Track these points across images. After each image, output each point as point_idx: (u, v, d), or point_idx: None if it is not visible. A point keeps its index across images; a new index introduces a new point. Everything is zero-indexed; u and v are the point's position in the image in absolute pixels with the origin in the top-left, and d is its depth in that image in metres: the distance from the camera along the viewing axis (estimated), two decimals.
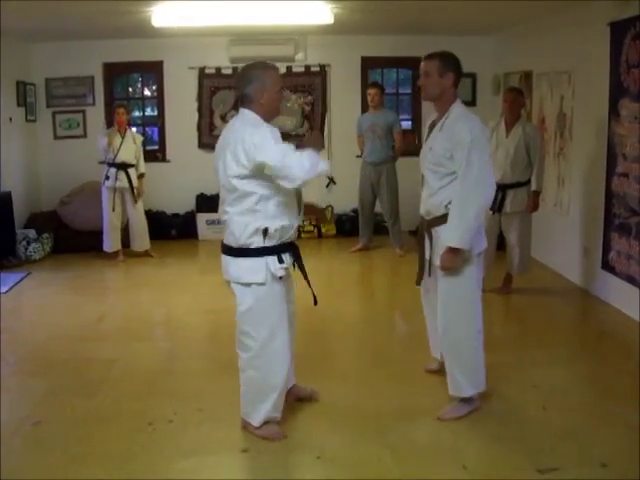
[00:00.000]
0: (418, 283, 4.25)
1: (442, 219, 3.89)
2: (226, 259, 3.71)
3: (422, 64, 3.91)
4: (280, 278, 3.67)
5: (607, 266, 6.18)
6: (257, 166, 3.47)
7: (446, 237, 3.81)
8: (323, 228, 9.51)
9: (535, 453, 3.58)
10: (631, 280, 5.75)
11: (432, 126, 4.00)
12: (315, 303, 3.89)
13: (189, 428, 3.92)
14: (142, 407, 4.19)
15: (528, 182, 6.29)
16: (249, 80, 3.61)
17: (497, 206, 6.12)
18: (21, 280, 7.33)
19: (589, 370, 4.82)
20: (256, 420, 3.78)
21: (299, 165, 3.43)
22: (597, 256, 6.35)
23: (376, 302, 6.96)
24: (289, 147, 3.51)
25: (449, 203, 3.84)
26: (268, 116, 3.68)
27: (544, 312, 6.10)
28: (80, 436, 3.84)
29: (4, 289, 6.92)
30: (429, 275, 4.12)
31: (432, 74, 3.84)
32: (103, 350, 5.27)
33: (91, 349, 5.29)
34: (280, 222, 3.60)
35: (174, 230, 9.50)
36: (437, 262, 3.92)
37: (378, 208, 8.59)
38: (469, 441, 3.78)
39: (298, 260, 3.80)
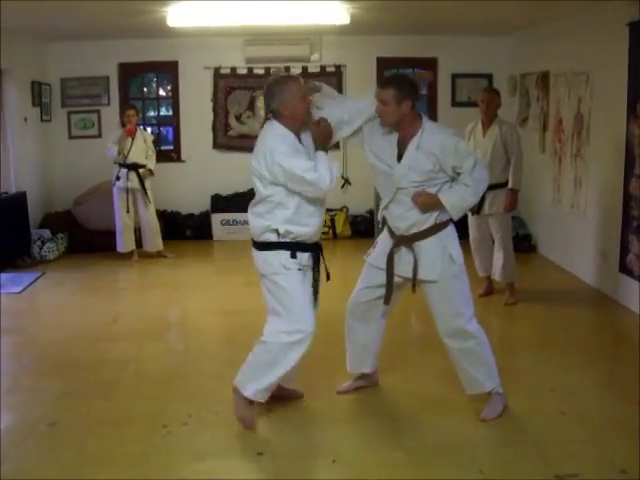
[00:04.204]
0: (387, 302, 4.18)
1: (429, 232, 3.93)
2: (253, 252, 3.91)
3: (377, 91, 3.84)
4: (299, 270, 3.80)
5: (625, 269, 6.11)
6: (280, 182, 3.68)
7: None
8: (338, 229, 9.46)
9: (553, 458, 3.54)
10: None
11: (400, 146, 3.90)
12: (328, 279, 4.09)
13: (204, 430, 3.91)
14: (156, 409, 4.18)
15: (507, 183, 6.16)
16: (272, 95, 3.74)
17: (476, 207, 6.03)
18: (35, 280, 7.34)
19: (607, 374, 4.77)
20: (249, 390, 3.86)
21: (321, 179, 3.63)
22: (615, 259, 6.28)
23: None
24: (307, 164, 3.64)
25: (439, 215, 3.89)
26: (295, 126, 3.78)
27: (561, 315, 6.04)
28: (94, 437, 3.83)
29: (19, 289, 6.94)
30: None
31: (389, 102, 3.78)
32: (117, 351, 5.27)
33: (105, 350, 5.29)
34: (288, 226, 3.74)
35: (189, 230, 9.47)
36: (425, 276, 3.96)
37: None
38: (486, 446, 3.75)
39: (318, 261, 3.94)
